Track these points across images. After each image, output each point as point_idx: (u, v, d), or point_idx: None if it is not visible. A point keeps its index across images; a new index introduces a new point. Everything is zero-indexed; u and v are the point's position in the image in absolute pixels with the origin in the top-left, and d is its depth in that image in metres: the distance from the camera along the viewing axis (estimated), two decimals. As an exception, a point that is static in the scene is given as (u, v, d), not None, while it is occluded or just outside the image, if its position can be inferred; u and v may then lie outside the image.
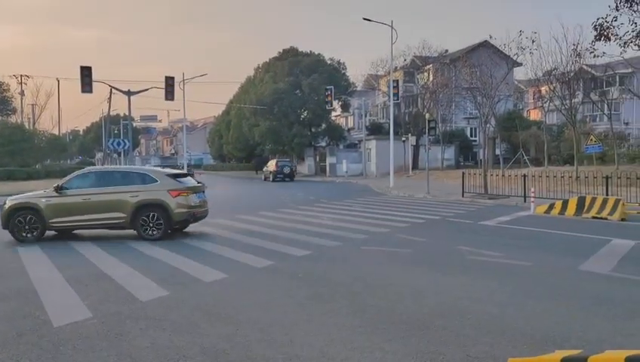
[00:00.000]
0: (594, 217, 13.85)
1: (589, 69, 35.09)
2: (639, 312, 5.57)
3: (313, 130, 49.43)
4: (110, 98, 49.56)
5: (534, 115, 51.90)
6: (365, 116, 46.66)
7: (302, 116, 47.75)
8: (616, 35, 18.82)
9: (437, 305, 5.84)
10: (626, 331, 4.99)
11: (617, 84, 40.53)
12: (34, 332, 5.08)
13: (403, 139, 40.52)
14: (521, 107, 51.44)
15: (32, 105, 58.31)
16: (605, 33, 18.77)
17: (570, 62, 28.32)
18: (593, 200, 14.54)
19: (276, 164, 40.36)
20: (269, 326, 5.17)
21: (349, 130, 56.42)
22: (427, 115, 31.25)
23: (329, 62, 48.77)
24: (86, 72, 25.16)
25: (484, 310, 5.64)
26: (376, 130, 48.39)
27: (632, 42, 19.07)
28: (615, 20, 18.51)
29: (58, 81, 71.58)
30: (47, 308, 5.86)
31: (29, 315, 5.63)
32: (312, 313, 5.62)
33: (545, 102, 34.87)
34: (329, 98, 34.72)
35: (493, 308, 5.70)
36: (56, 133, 59.56)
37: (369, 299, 6.11)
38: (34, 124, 56.65)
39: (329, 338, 4.84)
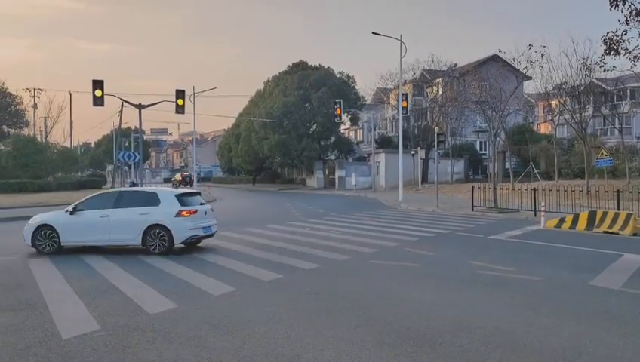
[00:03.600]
0: (605, 232, 13.70)
1: (600, 83, 34.94)
2: (651, 329, 5.48)
3: (322, 143, 49.52)
4: (121, 111, 50.07)
5: (544, 129, 51.73)
6: (374, 129, 46.71)
7: (311, 129, 47.89)
8: (626, 49, 18.61)
9: (445, 320, 5.79)
10: (638, 347, 4.92)
11: (628, 97, 40.31)
12: (42, 344, 5.10)
13: (412, 152, 40.50)
14: (531, 121, 51.26)
15: (45, 118, 59.04)
16: (615, 47, 18.59)
17: (580, 76, 28.23)
18: (604, 214, 14.40)
19: (181, 175, 62.58)
20: (276, 340, 5.16)
21: (358, 143, 56.48)
22: (436, 129, 31.28)
23: (338, 75, 48.99)
24: (98, 86, 25.38)
25: (493, 325, 5.58)
26: (386, 144, 48.40)
27: (642, 56, 18.93)
28: (625, 34, 18.33)
29: (70, 94, 72.42)
30: (56, 320, 5.90)
31: (39, 327, 5.67)
32: (320, 327, 5.60)
33: (555, 116, 34.75)
34: (338, 111, 34.79)
35: (502, 323, 5.65)
36: (68, 146, 60.23)
37: (377, 313, 6.07)
38: (46, 136, 57.32)
39: (337, 352, 4.81)
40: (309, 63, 51.07)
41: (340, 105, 34.28)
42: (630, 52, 18.78)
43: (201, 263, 9.53)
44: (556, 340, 5.11)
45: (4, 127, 55.13)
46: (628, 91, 39.68)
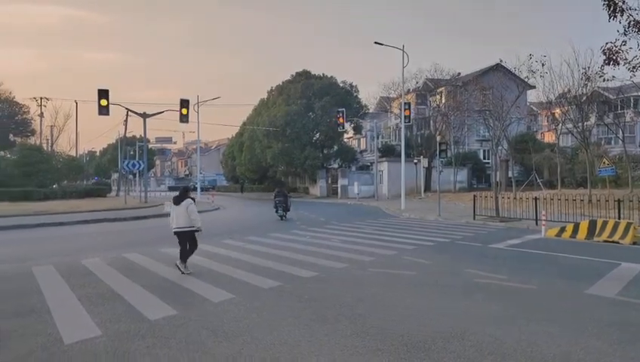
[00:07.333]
0: (605, 241, 13.75)
1: (603, 92, 35.03)
2: (642, 336, 5.57)
3: (325, 151, 49.70)
4: (126, 120, 50.69)
5: (548, 138, 51.77)
6: (377, 138, 46.89)
7: (314, 138, 48.09)
8: (626, 59, 18.83)
9: (439, 327, 5.90)
10: (629, 356, 5.01)
11: (631, 106, 40.38)
12: (45, 350, 5.25)
13: (415, 161, 40.60)
14: (534, 129, 51.36)
15: (51, 126, 59.64)
16: (614, 57, 18.78)
17: (582, 86, 28.36)
18: (604, 223, 14.46)
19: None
20: (274, 346, 5.28)
21: (361, 151, 56.63)
22: (438, 138, 31.39)
23: (341, 84, 49.24)
24: (103, 95, 25.71)
25: (486, 332, 5.68)
26: (389, 152, 48.54)
27: (640, 66, 19.08)
28: (624, 45, 18.54)
29: (76, 104, 73.14)
30: (59, 326, 6.04)
31: (42, 333, 5.81)
32: (317, 333, 5.71)
33: (558, 125, 34.83)
34: (341, 120, 35.03)
35: (495, 331, 5.74)
36: (74, 155, 60.67)
37: (372, 321, 6.18)
38: (52, 145, 57.83)
39: (332, 358, 4.93)
40: (313, 73, 51.37)
41: (343, 114, 34.52)
42: (629, 62, 18.94)
43: (203, 271, 9.66)
44: (547, 348, 5.20)
45: (11, 135, 55.68)
46: (631, 100, 39.77)
